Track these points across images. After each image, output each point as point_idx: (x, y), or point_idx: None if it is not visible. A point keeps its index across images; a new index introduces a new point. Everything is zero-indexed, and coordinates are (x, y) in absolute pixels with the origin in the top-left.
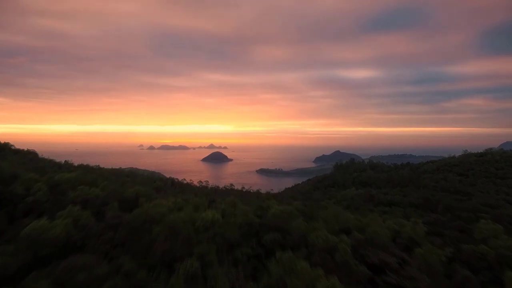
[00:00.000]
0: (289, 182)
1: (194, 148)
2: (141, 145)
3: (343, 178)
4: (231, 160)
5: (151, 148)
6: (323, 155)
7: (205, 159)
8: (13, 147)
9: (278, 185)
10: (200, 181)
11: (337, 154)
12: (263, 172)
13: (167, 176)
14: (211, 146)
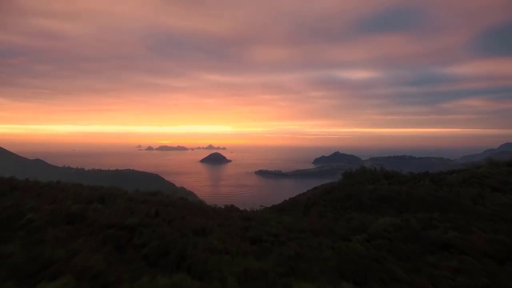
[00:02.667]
0: (288, 184)
1: (192, 149)
2: (139, 146)
3: (357, 191)
4: (230, 161)
5: (150, 148)
6: (323, 156)
7: (204, 160)
8: None
9: (277, 188)
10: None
11: (337, 155)
12: (262, 173)
13: (166, 178)
14: (210, 147)
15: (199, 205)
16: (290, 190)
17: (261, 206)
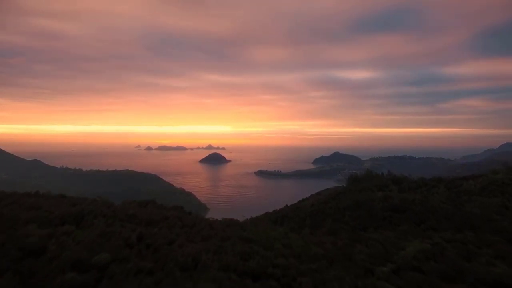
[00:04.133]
0: (288, 185)
1: (192, 149)
2: (139, 146)
3: (366, 199)
4: (229, 161)
5: (149, 148)
6: (322, 156)
7: (203, 160)
8: None
9: (277, 188)
10: None
11: (337, 155)
12: (261, 174)
13: (165, 179)
14: (209, 147)
15: (195, 219)
16: (290, 191)
17: (260, 219)
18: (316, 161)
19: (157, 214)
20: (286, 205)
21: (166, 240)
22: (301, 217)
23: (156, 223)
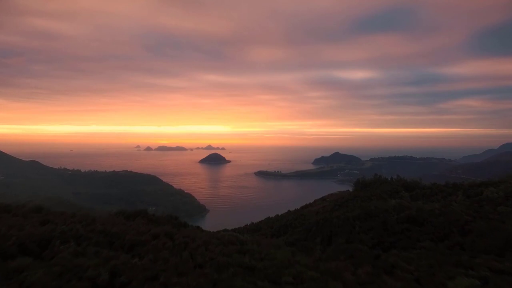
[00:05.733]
0: (288, 186)
1: (191, 149)
2: (138, 146)
3: (378, 208)
4: (229, 161)
5: (148, 149)
6: (322, 156)
7: (203, 161)
8: None
9: (277, 189)
10: None
11: (337, 155)
12: (261, 174)
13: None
14: (209, 147)
15: (188, 236)
16: (291, 192)
17: (262, 231)
18: (316, 161)
19: (144, 232)
20: (289, 211)
21: (148, 274)
22: (306, 227)
23: (142, 245)
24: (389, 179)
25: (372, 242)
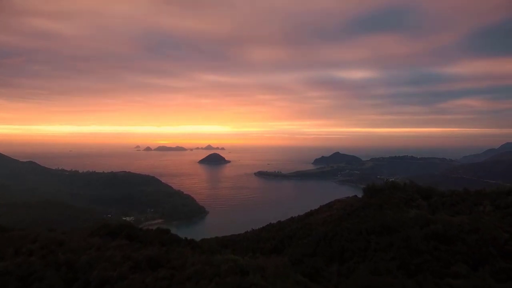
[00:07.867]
0: (289, 186)
1: (191, 149)
2: (138, 146)
3: (395, 221)
4: (229, 162)
5: (148, 149)
6: (323, 156)
7: (203, 161)
8: None
9: (278, 190)
10: None
11: (337, 155)
12: (261, 174)
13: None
14: (209, 147)
15: (173, 274)
16: (292, 193)
17: (264, 243)
18: (317, 161)
19: (120, 262)
20: (292, 218)
21: None
22: (313, 238)
23: (112, 283)
24: (403, 184)
25: (394, 263)
